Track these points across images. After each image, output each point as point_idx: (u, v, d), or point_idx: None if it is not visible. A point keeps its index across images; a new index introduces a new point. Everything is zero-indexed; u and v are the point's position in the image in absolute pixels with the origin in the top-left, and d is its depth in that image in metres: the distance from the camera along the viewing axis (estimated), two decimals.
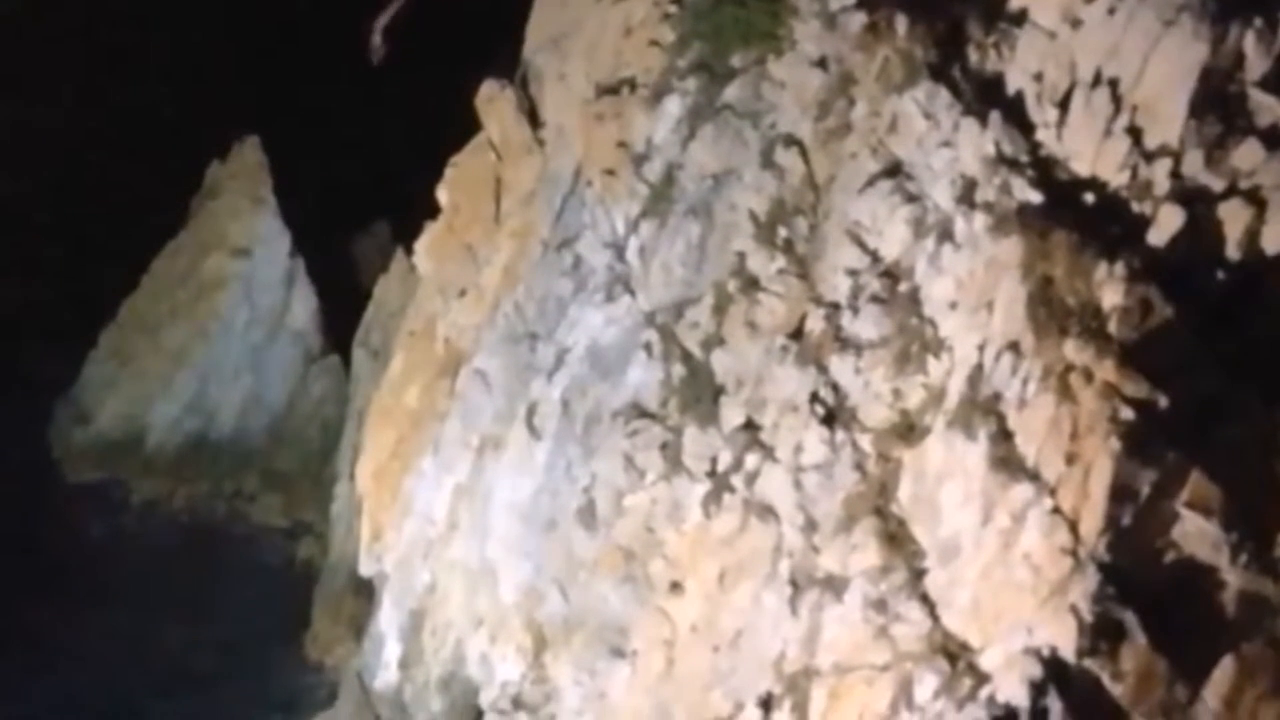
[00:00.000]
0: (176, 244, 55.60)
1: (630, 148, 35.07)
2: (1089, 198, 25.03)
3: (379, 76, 60.77)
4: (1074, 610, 21.95)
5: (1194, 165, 24.26)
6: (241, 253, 54.58)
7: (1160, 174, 24.40)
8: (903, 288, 27.77)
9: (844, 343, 28.54)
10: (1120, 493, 22.06)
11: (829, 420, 28.31)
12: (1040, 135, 26.16)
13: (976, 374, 24.70)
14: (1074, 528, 22.36)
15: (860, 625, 25.82)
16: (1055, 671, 22.06)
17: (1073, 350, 22.92)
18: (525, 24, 41.26)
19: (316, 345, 55.41)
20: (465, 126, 42.49)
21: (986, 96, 27.32)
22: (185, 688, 44.85)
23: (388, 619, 41.04)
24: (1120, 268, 23.13)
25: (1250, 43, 24.42)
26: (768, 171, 31.53)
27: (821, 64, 31.00)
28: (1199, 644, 21.63)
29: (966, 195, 26.67)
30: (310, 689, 45.87)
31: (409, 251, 45.99)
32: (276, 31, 63.61)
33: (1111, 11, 25.62)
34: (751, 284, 31.10)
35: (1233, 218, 23.78)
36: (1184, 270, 23.61)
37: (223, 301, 54.31)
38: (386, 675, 40.55)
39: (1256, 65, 24.40)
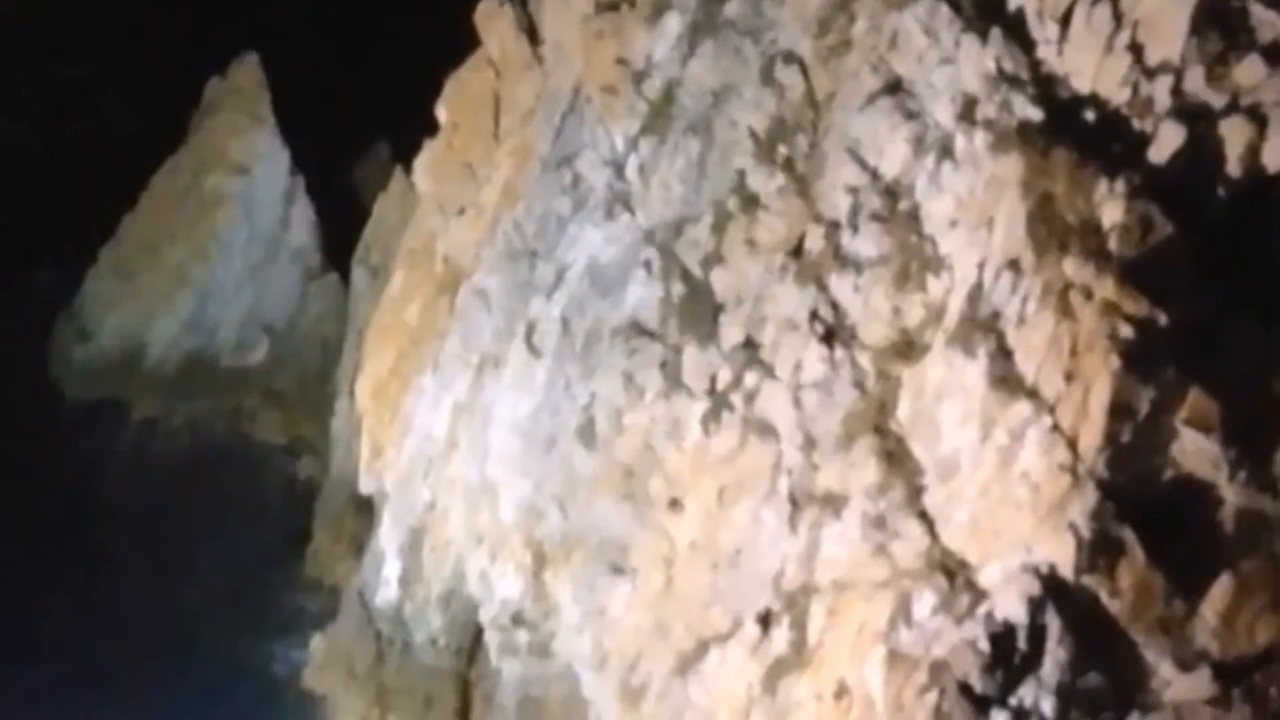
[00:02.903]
0: (175, 162, 55.41)
1: (630, 65, 34.96)
2: (1090, 115, 24.96)
3: None
4: (1072, 527, 22.00)
5: (1195, 82, 24.16)
6: (241, 170, 54.42)
7: (1161, 91, 24.30)
8: (903, 205, 27.74)
9: (844, 261, 28.53)
10: (1119, 410, 22.08)
11: (828, 338, 28.33)
12: (1041, 52, 26.06)
13: (976, 292, 24.69)
14: (1073, 445, 22.40)
15: (859, 542, 25.92)
16: (1053, 588, 22.12)
17: (1073, 268, 22.88)
18: None
19: (316, 263, 55.41)
20: (464, 43, 42.36)
21: (987, 13, 27.20)
22: (186, 605, 44.99)
23: (388, 536, 41.21)
24: (1121, 185, 23.07)
25: None
26: (768, 88, 31.43)
27: None
28: (1197, 561, 21.67)
29: (967, 112, 26.61)
30: (311, 606, 46.04)
31: (408, 169, 45.96)
32: None
33: None
34: (751, 202, 31.07)
35: (1234, 135, 23.69)
36: (1185, 188, 23.55)
37: (222, 219, 54.17)
38: (386, 592, 40.77)
39: None
